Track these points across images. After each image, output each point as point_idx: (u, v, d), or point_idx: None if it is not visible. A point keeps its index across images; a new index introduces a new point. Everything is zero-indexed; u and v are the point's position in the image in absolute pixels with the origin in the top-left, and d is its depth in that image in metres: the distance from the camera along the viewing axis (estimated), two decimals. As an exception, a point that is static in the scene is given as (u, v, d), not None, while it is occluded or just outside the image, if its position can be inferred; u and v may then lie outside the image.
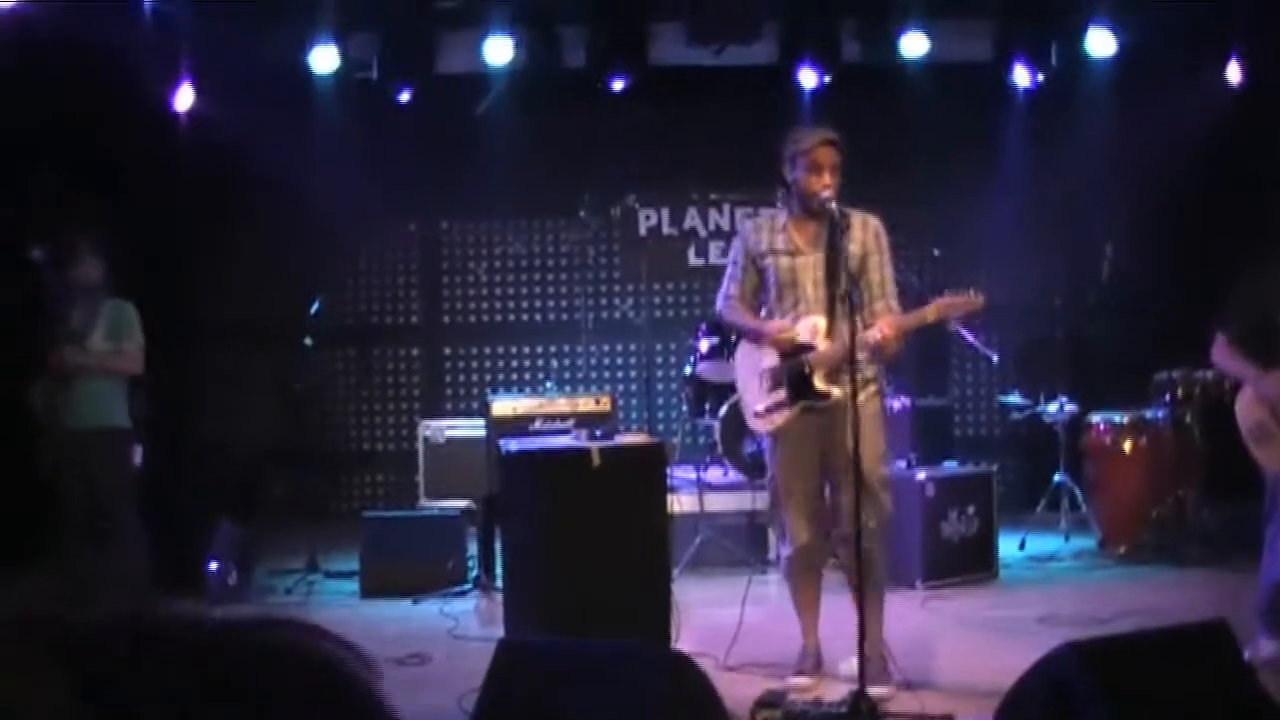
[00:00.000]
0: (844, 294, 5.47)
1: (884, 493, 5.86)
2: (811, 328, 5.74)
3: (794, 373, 5.76)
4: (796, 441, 5.84)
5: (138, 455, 7.40)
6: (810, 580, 6.03)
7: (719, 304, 6.06)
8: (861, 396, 5.64)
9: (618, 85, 10.18)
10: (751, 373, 5.95)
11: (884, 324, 5.61)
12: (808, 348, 5.74)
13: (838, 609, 5.96)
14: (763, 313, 5.97)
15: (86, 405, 7.09)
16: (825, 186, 5.65)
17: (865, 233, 5.82)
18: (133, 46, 8.98)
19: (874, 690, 5.41)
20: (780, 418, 5.82)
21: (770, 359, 5.85)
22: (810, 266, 5.78)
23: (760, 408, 5.88)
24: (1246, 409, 6.04)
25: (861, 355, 5.66)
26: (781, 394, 5.81)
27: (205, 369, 10.19)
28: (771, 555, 8.63)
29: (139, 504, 7.30)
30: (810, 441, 5.84)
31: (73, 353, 7.08)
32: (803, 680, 5.78)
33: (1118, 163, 10.09)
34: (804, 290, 5.79)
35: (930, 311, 5.68)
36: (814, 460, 5.91)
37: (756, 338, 5.92)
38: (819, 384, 5.70)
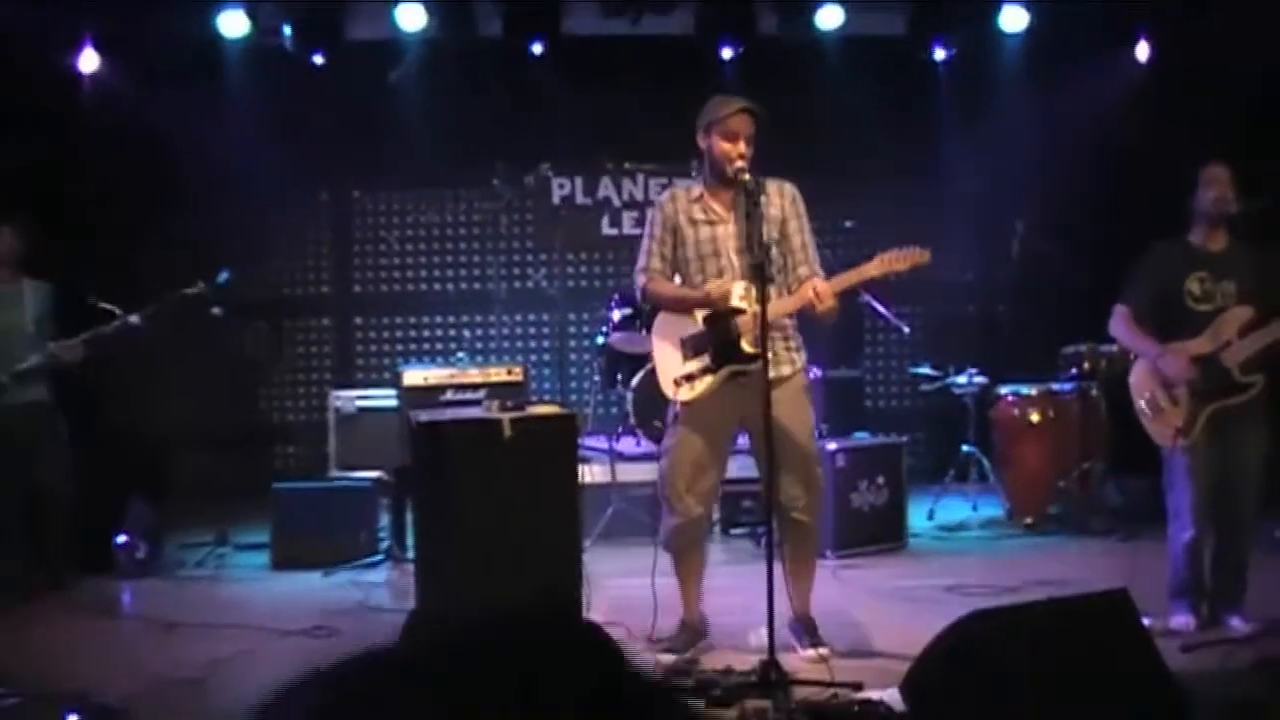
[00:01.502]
0: (758, 261, 5.44)
1: (817, 465, 5.91)
2: (741, 291, 5.68)
3: (721, 337, 5.71)
4: (713, 411, 5.80)
5: (63, 427, 7.66)
6: (696, 552, 6.06)
7: (640, 278, 5.94)
8: (788, 369, 5.77)
9: (536, 50, 10.11)
10: (670, 341, 5.87)
11: (817, 286, 5.59)
12: (736, 311, 5.69)
13: (749, 579, 5.99)
14: (683, 282, 5.90)
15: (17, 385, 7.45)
16: (740, 155, 5.63)
17: (783, 199, 5.82)
18: (33, 6, 8.79)
19: (804, 652, 5.65)
20: (703, 384, 5.76)
21: (693, 327, 5.80)
22: (731, 235, 5.77)
23: (681, 374, 5.79)
24: (1140, 383, 6.12)
25: (789, 321, 5.74)
26: (706, 360, 5.75)
27: (116, 343, 10.01)
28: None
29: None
30: (727, 412, 5.82)
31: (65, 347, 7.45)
32: (672, 658, 5.75)
33: (1030, 138, 10.20)
34: (727, 259, 5.77)
35: (873, 266, 5.64)
36: (725, 432, 5.94)
37: (689, 305, 5.79)
38: (747, 347, 5.65)
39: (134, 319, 7.53)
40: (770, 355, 5.49)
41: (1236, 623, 6.05)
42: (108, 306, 7.57)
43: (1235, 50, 9.48)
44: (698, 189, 5.90)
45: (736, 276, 5.74)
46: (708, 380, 5.75)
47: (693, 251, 5.83)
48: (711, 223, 5.81)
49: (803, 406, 5.85)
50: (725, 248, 5.77)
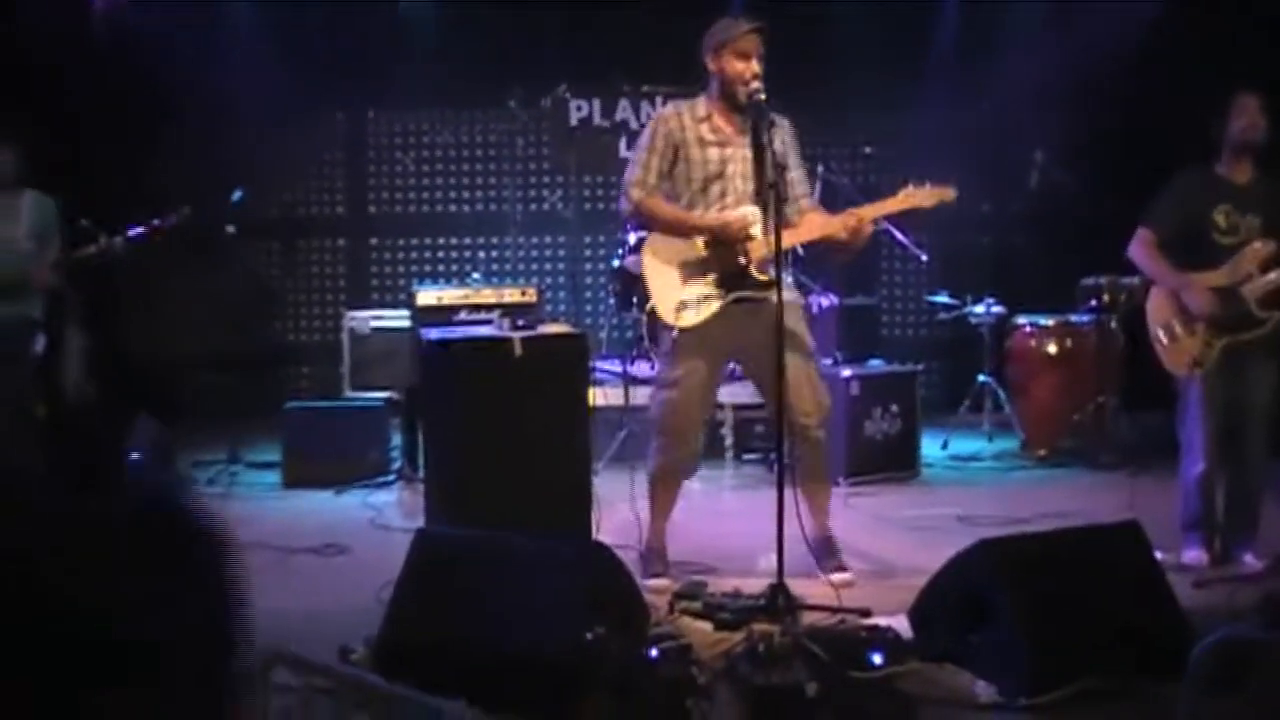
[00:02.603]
0: (773, 183, 5.38)
1: (824, 387, 5.88)
2: (750, 215, 5.62)
3: (727, 262, 5.63)
4: (713, 339, 5.71)
5: (40, 344, 7.29)
6: (677, 485, 5.99)
7: (634, 192, 5.73)
8: (792, 295, 5.69)
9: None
10: (667, 261, 5.71)
11: (859, 211, 5.63)
12: (746, 237, 5.63)
13: (759, 504, 5.98)
14: (682, 203, 5.75)
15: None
16: (754, 75, 5.55)
17: (782, 131, 5.73)
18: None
19: (836, 576, 5.61)
20: (707, 310, 5.66)
21: (691, 250, 5.69)
22: (739, 159, 5.69)
23: (681, 299, 5.67)
24: (1156, 310, 6.06)
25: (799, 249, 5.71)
26: (709, 285, 5.67)
27: (125, 263, 9.98)
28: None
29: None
30: (727, 340, 5.73)
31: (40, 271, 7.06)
32: (661, 582, 5.69)
33: (1047, 70, 10.06)
34: (732, 182, 5.69)
35: (897, 201, 5.68)
36: (723, 361, 5.91)
37: (698, 231, 5.66)
38: (757, 274, 5.58)
39: (117, 241, 7.28)
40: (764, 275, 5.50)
41: (1249, 559, 6.03)
42: (89, 229, 7.30)
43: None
44: (702, 107, 5.78)
45: (741, 202, 5.67)
46: (713, 306, 5.66)
47: (698, 172, 5.71)
48: (721, 144, 5.70)
49: (805, 331, 5.83)
50: (732, 171, 5.69)
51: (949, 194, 5.67)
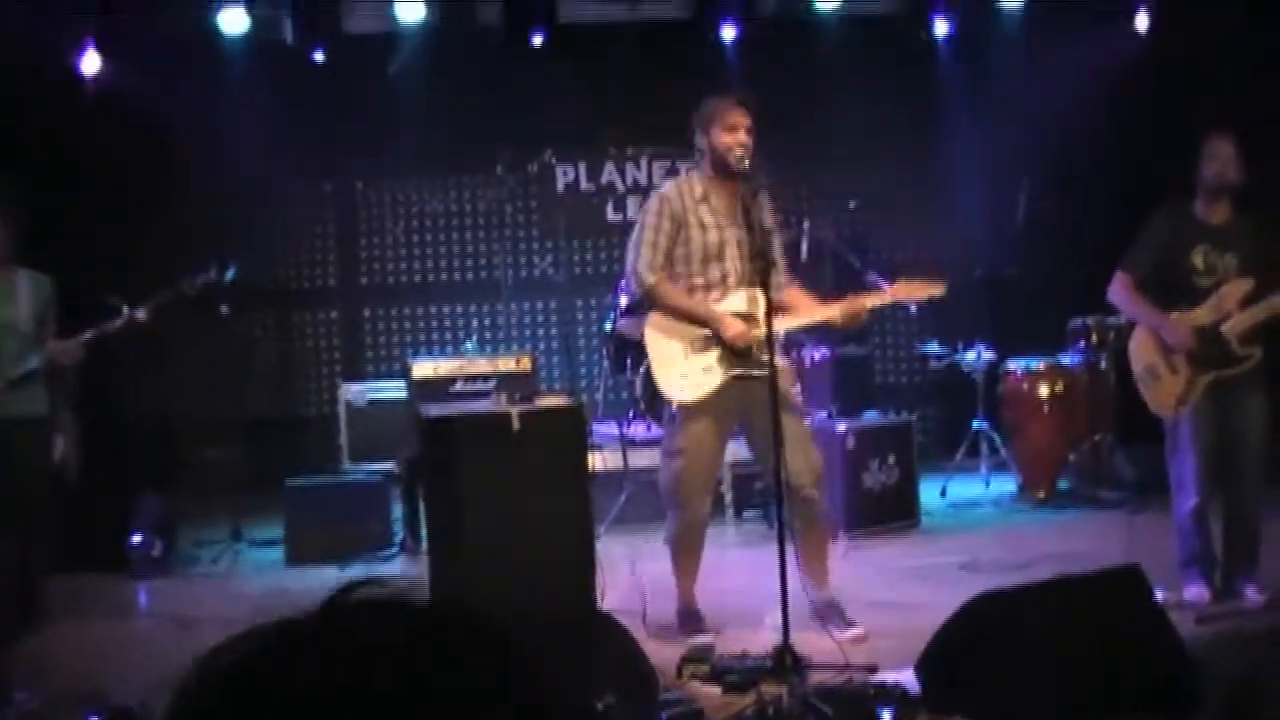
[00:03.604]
0: (760, 251, 5.56)
1: (814, 445, 6.03)
2: (750, 297, 5.79)
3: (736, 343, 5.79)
4: (716, 412, 5.85)
5: (57, 448, 6.92)
6: (700, 547, 6.11)
7: (647, 277, 5.84)
8: (781, 361, 5.88)
9: (536, 40, 10.09)
10: (671, 336, 5.86)
11: (854, 300, 5.91)
12: (746, 317, 5.79)
13: (761, 562, 6.01)
14: (681, 284, 5.90)
15: (10, 392, 6.57)
16: (741, 145, 5.71)
17: (764, 208, 5.94)
18: (34, 10, 8.80)
19: (849, 634, 5.69)
20: (709, 386, 5.80)
21: (699, 328, 5.83)
22: (734, 240, 5.83)
23: (683, 372, 5.82)
24: (1139, 351, 6.14)
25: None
26: (711, 360, 5.80)
27: (119, 339, 10.02)
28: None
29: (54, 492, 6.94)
30: (728, 412, 5.88)
31: (63, 349, 6.70)
32: (706, 638, 5.80)
33: (1032, 112, 10.17)
34: (732, 263, 5.84)
35: (889, 295, 5.96)
36: (727, 430, 6.03)
37: (700, 322, 5.81)
38: (757, 353, 5.74)
39: (140, 314, 7.04)
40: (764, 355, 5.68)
41: (1251, 592, 6.06)
42: (113, 302, 7.24)
43: (1234, 19, 9.47)
44: (699, 186, 5.92)
45: (740, 280, 5.83)
46: (714, 382, 5.80)
47: (698, 253, 5.85)
48: (719, 227, 5.85)
49: (793, 395, 6.00)
50: (730, 252, 5.84)
51: (939, 289, 5.89)
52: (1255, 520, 6.13)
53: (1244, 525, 6.13)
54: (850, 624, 5.85)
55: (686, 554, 6.08)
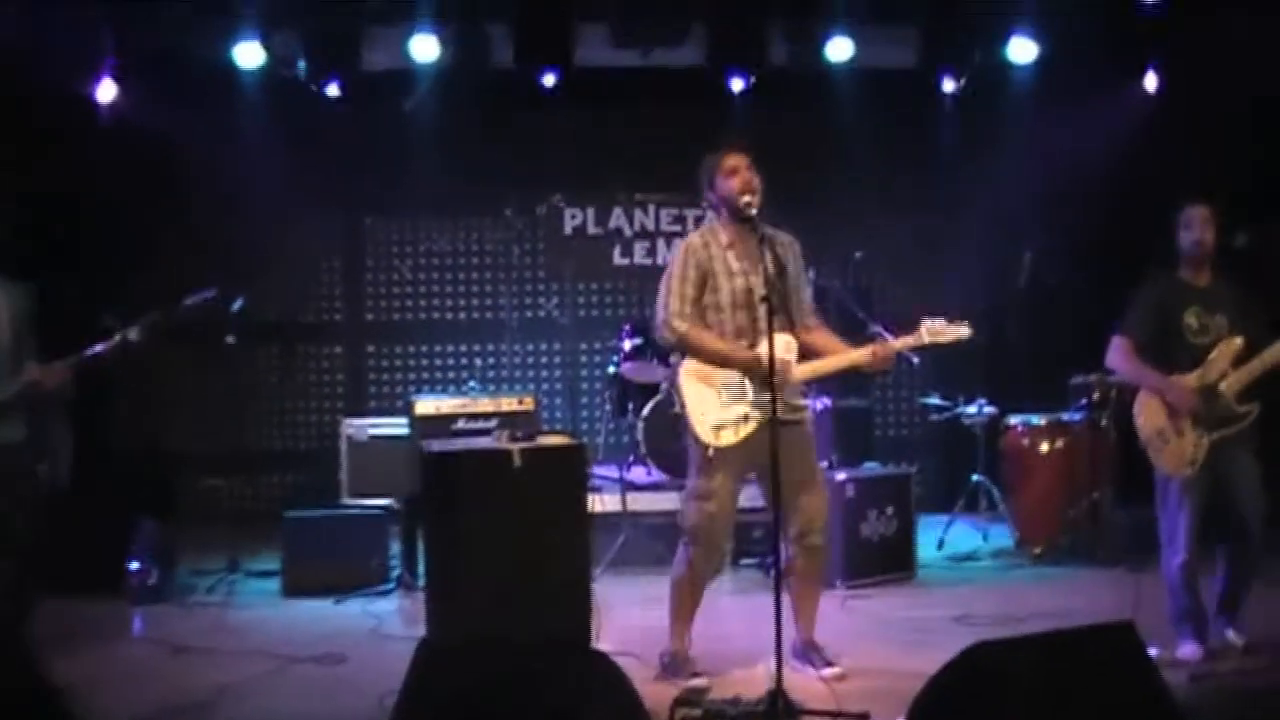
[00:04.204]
0: (764, 297, 5.59)
1: (825, 493, 6.13)
2: (785, 344, 5.84)
3: (764, 387, 5.78)
4: (744, 456, 5.91)
5: (44, 473, 6.58)
6: (702, 592, 6.13)
7: (679, 325, 5.94)
8: (808, 413, 6.06)
9: (548, 81, 10.17)
10: (706, 383, 5.93)
11: (880, 346, 5.97)
12: (783, 364, 5.85)
13: (757, 609, 6.03)
14: (714, 332, 5.99)
15: None
16: (745, 184, 5.85)
17: (790, 252, 6.05)
18: (53, 36, 8.88)
19: (828, 672, 5.85)
20: (745, 430, 5.87)
21: (730, 373, 5.92)
22: (760, 287, 5.82)
23: (720, 420, 5.89)
24: (1146, 416, 6.20)
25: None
26: (747, 407, 5.87)
27: (124, 366, 10.05)
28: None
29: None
30: (751, 456, 5.91)
31: (49, 372, 6.38)
32: (701, 681, 5.81)
33: (1038, 169, 10.24)
34: (759, 309, 5.79)
35: (917, 338, 5.97)
36: (746, 474, 6.04)
37: (734, 365, 5.89)
38: (793, 399, 5.90)
39: (132, 334, 6.76)
40: (793, 399, 5.90)
41: (1231, 634, 6.26)
42: (109, 324, 7.06)
43: (1243, 80, 9.54)
44: (723, 234, 6.03)
45: (764, 328, 5.77)
46: (751, 426, 5.86)
47: (726, 300, 5.94)
48: (745, 274, 5.94)
49: (813, 441, 6.11)
50: (756, 299, 5.83)
51: (964, 332, 5.98)
52: (1254, 572, 6.23)
53: (1247, 575, 6.24)
54: (830, 663, 5.97)
55: (691, 597, 6.08)
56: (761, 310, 5.72)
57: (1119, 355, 6.27)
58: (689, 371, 5.98)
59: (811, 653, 5.99)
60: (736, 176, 5.87)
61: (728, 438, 5.87)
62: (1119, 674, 4.52)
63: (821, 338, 6.10)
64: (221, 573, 8.47)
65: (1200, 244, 6.16)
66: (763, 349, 5.78)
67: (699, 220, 10.98)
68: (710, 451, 5.87)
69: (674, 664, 6.01)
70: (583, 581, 5.88)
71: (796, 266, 6.06)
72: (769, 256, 5.72)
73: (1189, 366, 6.14)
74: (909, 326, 6.04)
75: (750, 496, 6.33)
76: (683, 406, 5.98)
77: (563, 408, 10.79)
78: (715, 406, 5.91)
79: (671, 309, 5.96)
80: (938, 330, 5.95)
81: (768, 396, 5.71)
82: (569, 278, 10.45)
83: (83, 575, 7.79)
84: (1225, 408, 6.07)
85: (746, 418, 5.87)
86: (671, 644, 6.08)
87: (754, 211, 5.80)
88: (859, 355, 5.97)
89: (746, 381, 5.88)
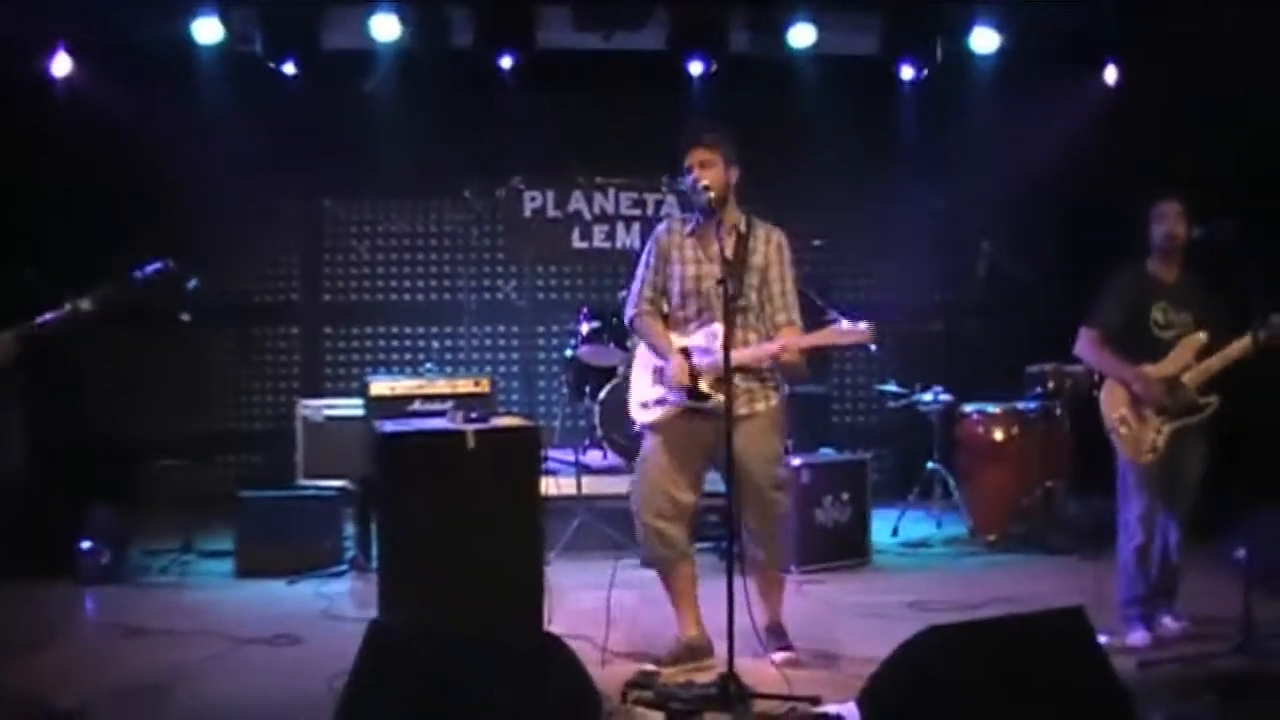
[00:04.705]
0: (721, 279, 5.60)
1: (776, 493, 6.03)
2: (712, 333, 5.89)
3: (672, 378, 5.98)
4: (679, 438, 6.00)
5: None
6: (678, 570, 6.12)
7: (631, 308, 6.16)
8: (745, 410, 5.93)
9: (505, 63, 10.13)
10: (645, 366, 6.16)
11: (785, 340, 5.90)
12: (704, 352, 5.92)
13: (711, 592, 6.03)
14: (673, 317, 6.12)
15: None
16: (697, 180, 5.90)
17: (768, 245, 6.05)
18: (4, 10, 8.78)
19: (778, 656, 5.92)
20: (660, 412, 6.04)
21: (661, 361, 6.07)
22: (714, 275, 5.87)
23: (644, 399, 6.11)
24: (1111, 403, 6.32)
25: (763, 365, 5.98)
26: (665, 391, 6.02)
27: (77, 345, 9.96)
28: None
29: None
30: (694, 441, 5.99)
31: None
32: (677, 668, 5.82)
33: (999, 158, 10.29)
34: (707, 298, 5.94)
35: (819, 337, 5.96)
36: (694, 459, 6.06)
37: (660, 353, 6.05)
38: (704, 387, 5.91)
39: (84, 304, 6.75)
40: (723, 395, 5.75)
41: (1168, 620, 6.40)
42: (61, 295, 6.87)
43: (1202, 73, 9.59)
44: (691, 223, 6.09)
45: (716, 318, 5.88)
46: (664, 410, 6.02)
47: (676, 287, 6.05)
48: (698, 262, 5.99)
49: (765, 443, 5.97)
50: (707, 288, 5.93)
51: (868, 336, 5.90)
52: (1180, 558, 6.37)
53: (1173, 563, 6.37)
54: (785, 647, 6.03)
55: (664, 576, 6.14)
56: (710, 299, 5.89)
57: (1087, 345, 6.39)
58: (638, 354, 6.25)
59: (770, 635, 6.02)
60: (694, 171, 5.94)
61: (645, 416, 6.09)
62: (1069, 659, 4.56)
63: (785, 335, 5.99)
64: (175, 553, 8.43)
65: (1171, 237, 6.26)
66: (689, 340, 5.97)
67: (659, 204, 11.00)
68: (637, 426, 6.17)
69: (674, 651, 6.01)
70: (536, 564, 5.88)
71: (771, 259, 6.01)
72: (729, 245, 5.85)
73: (1153, 358, 6.26)
74: (862, 309, 6.08)
75: (710, 481, 6.36)
76: (627, 380, 6.27)
77: (519, 390, 10.77)
78: (645, 385, 6.12)
79: (631, 293, 6.18)
80: (840, 332, 5.95)
81: (684, 385, 5.90)
82: (528, 260, 10.44)
83: (35, 556, 7.73)
84: (1188, 399, 6.19)
85: (662, 401, 6.02)
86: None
87: (707, 199, 5.85)
88: (768, 349, 5.91)
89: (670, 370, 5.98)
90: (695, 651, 6.00)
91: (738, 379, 5.81)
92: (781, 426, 6.12)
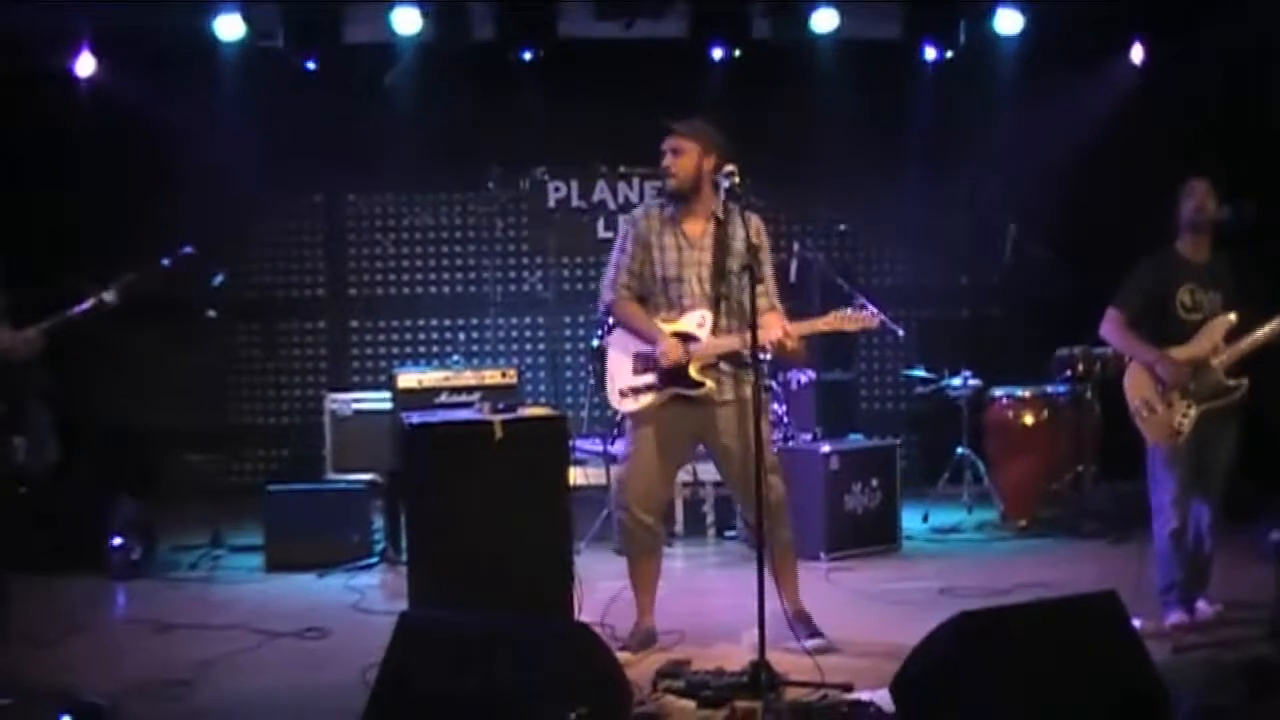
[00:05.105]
0: (753, 276, 5.52)
1: (771, 476, 5.93)
2: (699, 320, 5.93)
3: (663, 361, 5.94)
4: (663, 426, 5.98)
5: (19, 448, 6.82)
6: (648, 561, 6.14)
7: (607, 294, 6.12)
8: (730, 395, 5.96)
9: (527, 57, 10.12)
10: (625, 352, 6.08)
11: (786, 326, 5.88)
12: (691, 338, 5.92)
13: (741, 581, 6.02)
14: (649, 302, 6.08)
15: None
16: (665, 169, 5.99)
17: (747, 231, 5.90)
18: (30, 10, 8.81)
19: (810, 643, 5.82)
20: (646, 399, 5.99)
21: (647, 344, 6.01)
22: (695, 263, 5.95)
23: (625, 386, 6.03)
24: (1134, 386, 6.26)
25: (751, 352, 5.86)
26: (652, 378, 5.97)
27: (105, 342, 9.99)
28: (678, 528, 8.73)
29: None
30: (678, 429, 5.99)
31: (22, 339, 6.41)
32: (627, 655, 5.77)
33: (1023, 141, 10.22)
34: (689, 285, 5.97)
35: (824, 322, 5.97)
36: (677, 448, 6.08)
37: (645, 340, 6.00)
38: (694, 374, 5.90)
39: (107, 295, 6.78)
40: (714, 381, 5.90)
41: (1202, 605, 6.32)
42: (85, 288, 6.85)
43: (1228, 56, 9.52)
44: (670, 208, 6.07)
45: (697, 304, 5.94)
46: (651, 397, 5.99)
47: (658, 273, 6.02)
48: (680, 249, 5.99)
49: (748, 427, 5.81)
50: (690, 275, 5.96)
51: (872, 322, 6.00)
52: (1213, 543, 6.31)
53: (1207, 548, 6.31)
54: (817, 634, 5.95)
55: (634, 564, 6.13)
56: (691, 285, 5.92)
57: (1112, 327, 6.33)
58: (614, 340, 6.16)
59: (798, 623, 5.95)
60: (665, 157, 5.99)
61: (628, 405, 6.03)
62: (1102, 644, 4.53)
63: (769, 319, 5.92)
64: (204, 548, 8.45)
65: (1201, 210, 6.18)
66: (679, 325, 5.94)
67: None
68: (619, 416, 6.08)
69: (632, 636, 6.03)
70: (565, 554, 5.86)
71: (751, 244, 5.85)
72: (709, 231, 5.91)
73: (1180, 341, 6.20)
74: (887, 294, 6.03)
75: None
76: (602, 370, 6.19)
77: (546, 381, 10.76)
78: (626, 373, 6.05)
79: (606, 279, 6.15)
80: (844, 318, 5.96)
81: (675, 371, 5.89)
82: (552, 251, 10.41)
83: (65, 552, 7.78)
84: (1215, 381, 6.13)
85: (649, 387, 5.97)
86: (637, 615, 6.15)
87: (672, 186, 5.94)
88: (772, 334, 5.85)
89: (654, 353, 5.94)
90: (652, 637, 6.06)
91: (721, 365, 5.91)
92: (765, 410, 6.08)
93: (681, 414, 5.96)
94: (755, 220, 5.92)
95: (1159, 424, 6.16)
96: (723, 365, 5.93)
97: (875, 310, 6.02)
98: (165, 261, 7.11)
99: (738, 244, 5.89)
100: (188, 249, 7.25)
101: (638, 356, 6.01)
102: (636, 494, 5.99)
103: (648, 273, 6.03)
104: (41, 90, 9.45)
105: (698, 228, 5.99)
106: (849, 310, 6.01)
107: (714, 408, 5.93)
